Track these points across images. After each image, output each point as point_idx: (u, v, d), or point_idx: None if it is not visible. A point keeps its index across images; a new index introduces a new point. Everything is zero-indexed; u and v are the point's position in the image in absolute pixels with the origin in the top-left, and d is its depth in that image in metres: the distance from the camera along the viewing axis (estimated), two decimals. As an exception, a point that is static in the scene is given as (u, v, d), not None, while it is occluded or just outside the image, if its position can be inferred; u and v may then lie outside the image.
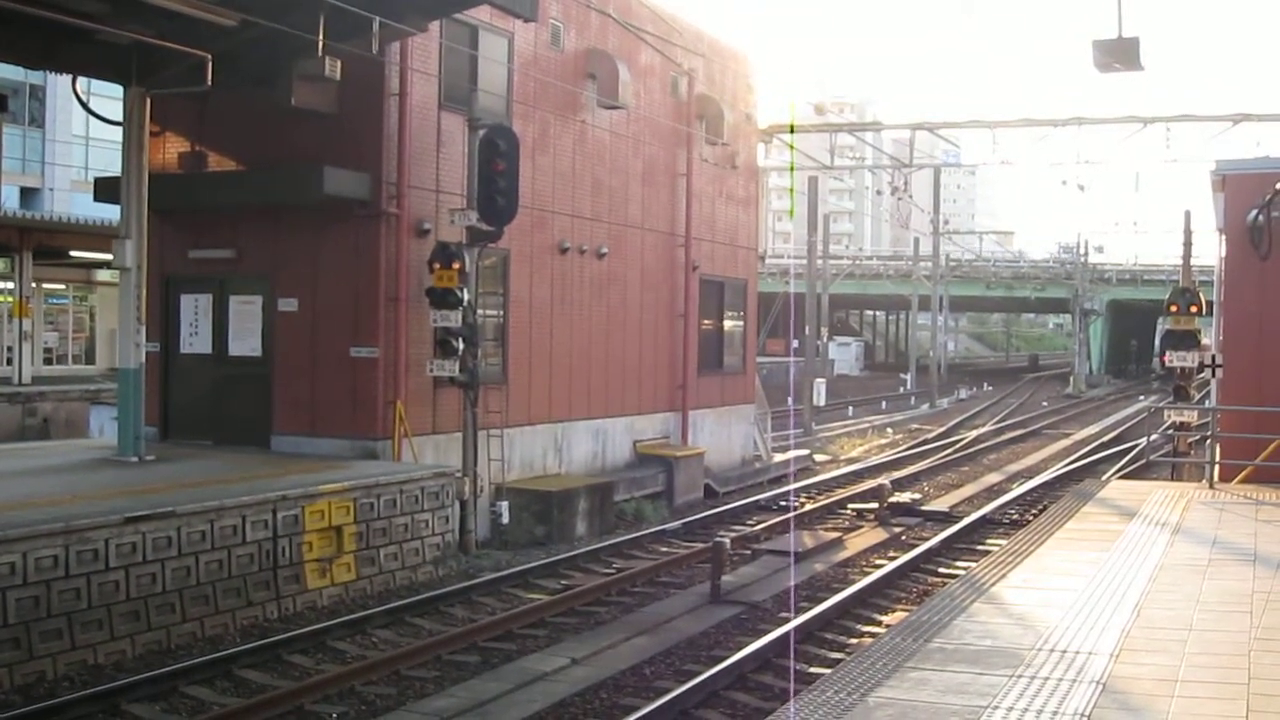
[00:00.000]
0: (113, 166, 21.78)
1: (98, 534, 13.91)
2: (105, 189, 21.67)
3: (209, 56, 17.31)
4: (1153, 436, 26.58)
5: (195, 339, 21.90)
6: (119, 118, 19.47)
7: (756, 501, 26.36)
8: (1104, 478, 27.58)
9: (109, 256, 19.71)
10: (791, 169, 50.82)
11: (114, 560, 14.06)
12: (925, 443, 40.90)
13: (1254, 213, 22.00)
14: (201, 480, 17.19)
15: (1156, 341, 44.13)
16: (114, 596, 14.03)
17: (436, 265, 19.80)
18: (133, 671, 13.40)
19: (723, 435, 30.58)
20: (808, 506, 25.40)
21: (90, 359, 45.56)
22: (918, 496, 27.29)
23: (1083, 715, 8.81)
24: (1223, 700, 9.24)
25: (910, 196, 54.33)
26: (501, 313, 22.73)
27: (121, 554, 14.15)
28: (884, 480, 27.28)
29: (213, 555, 15.26)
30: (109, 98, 21.77)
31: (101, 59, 18.71)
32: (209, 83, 17.54)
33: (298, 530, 16.45)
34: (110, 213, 24.42)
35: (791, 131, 41.94)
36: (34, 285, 40.56)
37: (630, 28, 25.99)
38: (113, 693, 12.46)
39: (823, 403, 51.97)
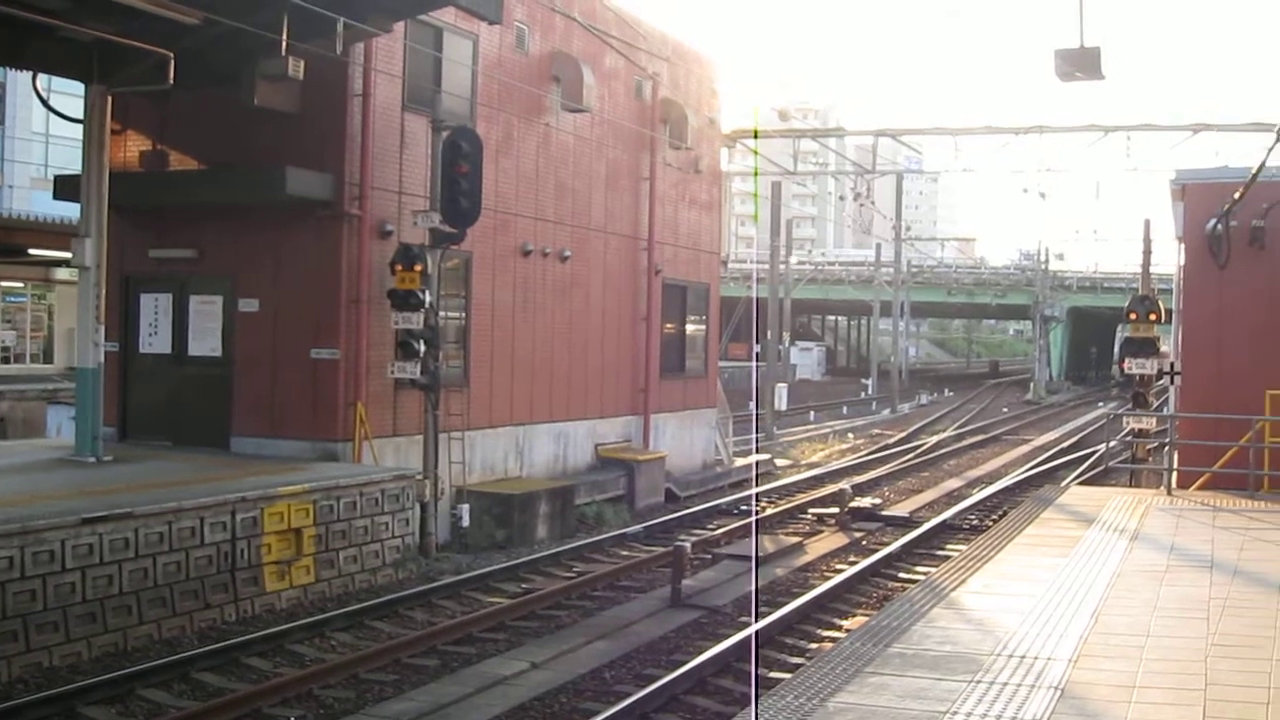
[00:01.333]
0: (73, 164, 21.66)
1: (54, 535, 13.81)
2: (65, 187, 21.52)
3: (171, 55, 17.24)
4: (1112, 443, 26.73)
5: (155, 339, 21.79)
6: (80, 115, 19.35)
7: (717, 506, 26.37)
8: (1063, 484, 27.70)
9: (68, 255, 19.56)
10: (755, 174, 50.84)
11: (70, 562, 13.96)
12: (886, 448, 41.00)
13: (1213, 222, 22.15)
14: (159, 481, 17.09)
15: (1116, 348, 44.41)
16: (70, 598, 13.93)
17: (399, 267, 19.75)
18: (89, 674, 13.31)
19: (684, 439, 30.58)
20: (769, 511, 25.41)
21: (48, 358, 45.20)
22: (878, 501, 27.33)
23: (1041, 721, 8.84)
24: (1180, 706, 9.29)
25: (873, 202, 54.46)
26: (463, 315, 22.67)
27: (78, 555, 14.05)
28: (845, 485, 27.31)
29: (170, 557, 15.17)
30: (70, 95, 21.63)
31: (63, 56, 18.59)
32: (171, 81, 17.48)
33: (256, 532, 16.37)
34: (70, 211, 24.20)
35: (755, 137, 42.03)
36: (-9, 283, 40.23)
37: (595, 31, 25.99)
38: (68, 695, 12.37)
39: (784, 407, 51.97)
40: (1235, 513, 19.13)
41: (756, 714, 8.93)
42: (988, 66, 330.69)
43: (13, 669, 13.18)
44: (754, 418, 43.55)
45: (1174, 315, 24.72)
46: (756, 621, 15.53)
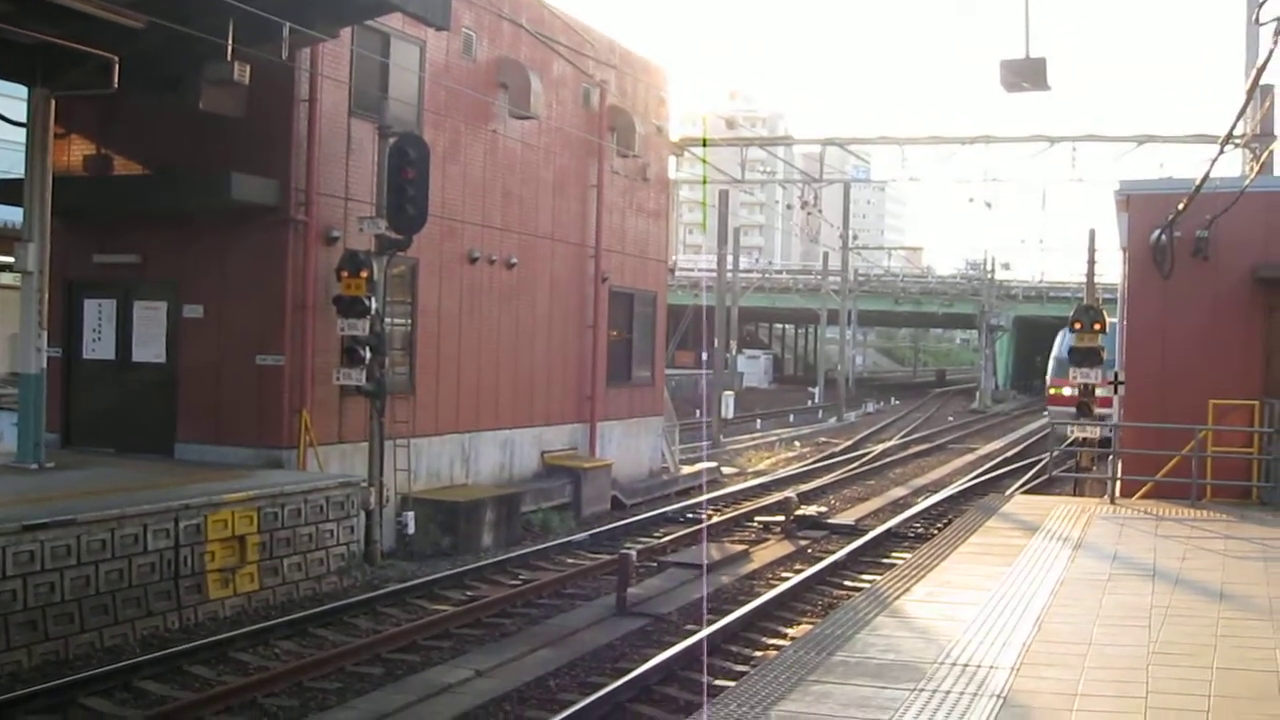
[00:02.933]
0: (15, 168, 21.43)
1: (-6, 542, 13.68)
2: (7, 191, 21.31)
3: (116, 59, 17.06)
4: (1056, 452, 26.90)
5: (98, 345, 21.61)
6: (23, 119, 19.16)
7: (664, 513, 26.37)
8: (1007, 493, 27.87)
9: (10, 259, 19.36)
10: (704, 182, 50.96)
11: (11, 569, 13.83)
12: (832, 456, 41.12)
13: (1157, 232, 22.32)
14: (102, 488, 16.94)
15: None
16: (11, 606, 13.79)
17: (344, 273, 19.68)
18: (29, 682, 13.19)
19: (631, 447, 30.58)
20: (715, 519, 25.43)
21: (-10, 363, 44.76)
22: (824, 509, 27.43)
23: (983, 729, 8.89)
24: (1121, 714, 9.37)
25: (820, 211, 54.67)
26: (409, 322, 22.60)
27: (19, 563, 13.92)
28: (791, 493, 27.37)
29: (113, 564, 15.04)
30: (13, 98, 21.42)
31: (5, 59, 18.38)
32: (115, 85, 17.29)
33: (200, 539, 16.26)
34: (12, 215, 24.00)
35: (704, 145, 42.10)
36: (-68, 287, 39.77)
37: (542, 38, 25.98)
38: (8, 704, 12.24)
39: (731, 415, 52.19)
40: (1178, 522, 19.28)
41: (701, 722, 8.94)
42: (935, 76, 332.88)
43: (-49, 678, 13.06)
44: (702, 426, 43.61)
45: (1118, 325, 24.87)
46: (706, 628, 15.56)
